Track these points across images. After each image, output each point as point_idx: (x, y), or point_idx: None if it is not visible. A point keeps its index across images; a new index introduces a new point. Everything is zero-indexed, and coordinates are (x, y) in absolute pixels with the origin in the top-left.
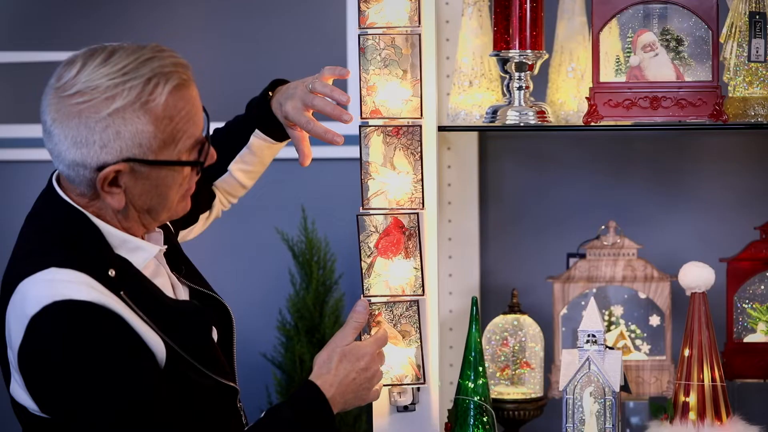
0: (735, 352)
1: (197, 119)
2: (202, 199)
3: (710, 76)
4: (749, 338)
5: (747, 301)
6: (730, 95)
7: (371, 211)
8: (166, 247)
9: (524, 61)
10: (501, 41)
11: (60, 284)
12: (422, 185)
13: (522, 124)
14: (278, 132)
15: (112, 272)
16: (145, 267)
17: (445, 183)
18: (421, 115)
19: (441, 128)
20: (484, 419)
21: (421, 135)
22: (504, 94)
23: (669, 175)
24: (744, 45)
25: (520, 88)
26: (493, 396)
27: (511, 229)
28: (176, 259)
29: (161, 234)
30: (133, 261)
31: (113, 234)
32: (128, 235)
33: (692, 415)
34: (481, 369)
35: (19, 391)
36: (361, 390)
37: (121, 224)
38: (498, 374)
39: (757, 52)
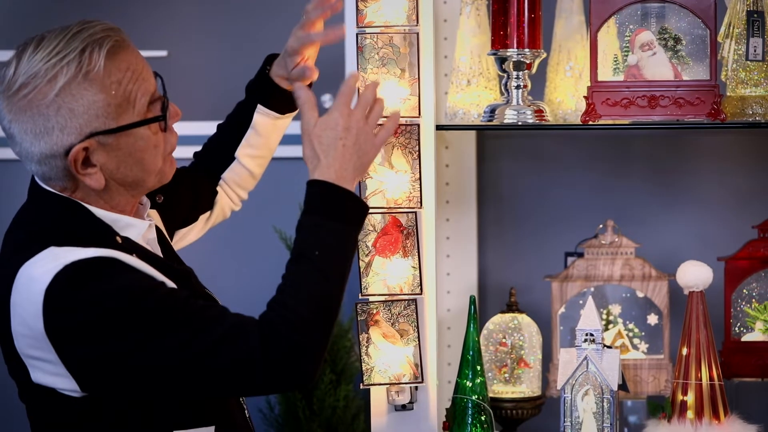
0: (733, 351)
1: (146, 76)
2: (204, 196)
3: (708, 75)
4: (747, 337)
5: (745, 300)
6: (728, 94)
7: (369, 210)
8: (152, 222)
9: (522, 60)
10: (499, 40)
11: (63, 254)
12: (420, 184)
13: (520, 123)
14: (281, 103)
15: (118, 239)
16: (145, 246)
17: (443, 182)
18: (419, 113)
19: (439, 127)
20: (482, 418)
21: (419, 134)
22: (502, 93)
23: (667, 174)
24: (742, 44)
25: (518, 87)
26: (491, 395)
27: (509, 228)
28: (168, 249)
29: (153, 221)
30: (130, 236)
31: (103, 215)
32: (117, 215)
33: (690, 414)
34: (479, 368)
35: (46, 375)
36: (361, 145)
37: (110, 203)
38: (496, 373)
39: (755, 50)
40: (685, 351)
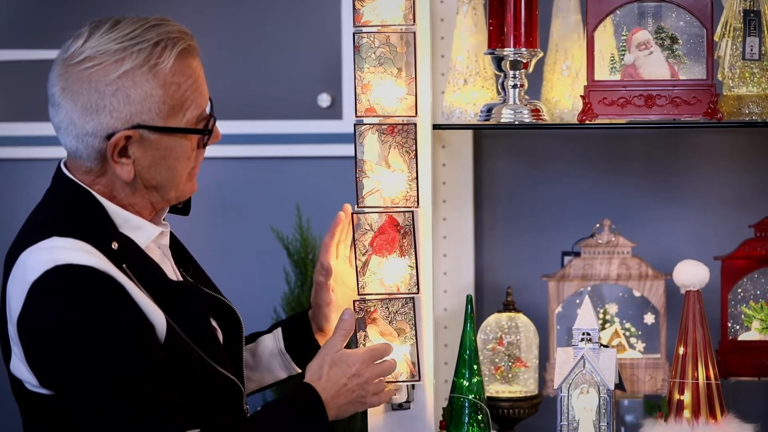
0: (729, 350)
1: (203, 90)
2: None
3: (705, 75)
4: (744, 336)
5: (742, 300)
6: (725, 93)
7: (366, 210)
8: (166, 230)
9: (519, 59)
10: (496, 39)
11: (61, 251)
12: (417, 183)
13: (517, 123)
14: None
15: (115, 245)
16: (149, 251)
17: (439, 181)
18: (416, 113)
19: (436, 126)
20: (479, 417)
21: (415, 133)
22: (499, 93)
23: (664, 174)
24: (738, 43)
25: (514, 87)
26: (487, 394)
27: (506, 227)
28: (183, 259)
29: (168, 227)
30: (136, 240)
31: (116, 212)
32: (131, 214)
33: (687, 413)
34: (475, 367)
35: (18, 364)
36: (355, 395)
37: (129, 200)
38: (493, 372)
39: (751, 50)
40: (681, 350)
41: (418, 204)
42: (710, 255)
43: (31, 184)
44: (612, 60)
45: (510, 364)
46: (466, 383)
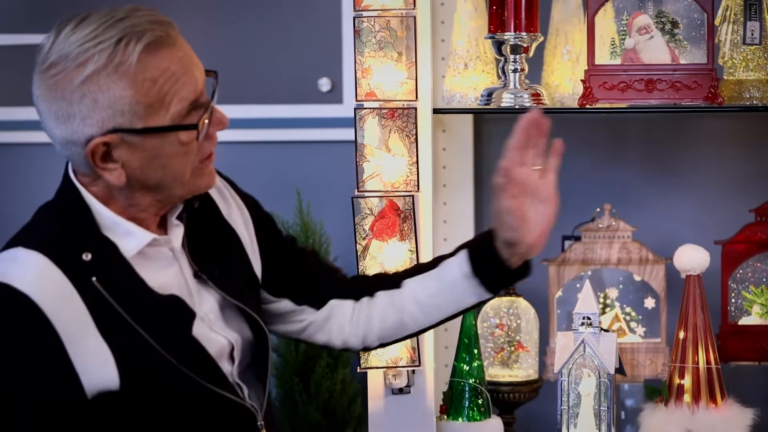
0: (730, 334)
1: (188, 79)
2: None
3: (705, 59)
4: (744, 321)
5: (742, 284)
6: (725, 78)
7: (366, 194)
8: (179, 229)
9: (519, 43)
10: (496, 23)
11: (13, 265)
12: (417, 168)
13: (517, 107)
14: (491, 278)
15: (87, 256)
16: (144, 258)
17: (440, 165)
18: (416, 97)
19: (436, 111)
20: (479, 401)
21: (416, 117)
22: (499, 77)
23: (664, 158)
24: (739, 27)
25: (515, 71)
26: (488, 378)
27: None
28: (209, 261)
29: (181, 228)
30: (122, 246)
31: (105, 215)
32: (122, 219)
33: (687, 397)
34: (476, 351)
35: None
36: None
37: (130, 201)
38: (493, 357)
39: (752, 34)
40: (682, 335)
41: (418, 188)
42: (710, 239)
43: (34, 169)
44: (612, 44)
45: (510, 348)
46: (466, 368)
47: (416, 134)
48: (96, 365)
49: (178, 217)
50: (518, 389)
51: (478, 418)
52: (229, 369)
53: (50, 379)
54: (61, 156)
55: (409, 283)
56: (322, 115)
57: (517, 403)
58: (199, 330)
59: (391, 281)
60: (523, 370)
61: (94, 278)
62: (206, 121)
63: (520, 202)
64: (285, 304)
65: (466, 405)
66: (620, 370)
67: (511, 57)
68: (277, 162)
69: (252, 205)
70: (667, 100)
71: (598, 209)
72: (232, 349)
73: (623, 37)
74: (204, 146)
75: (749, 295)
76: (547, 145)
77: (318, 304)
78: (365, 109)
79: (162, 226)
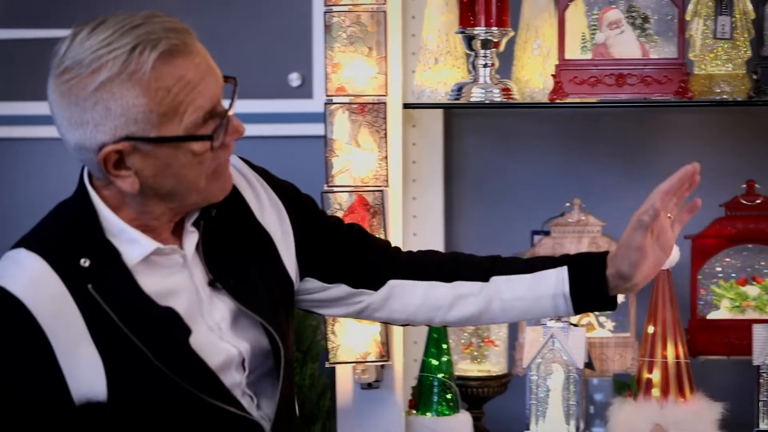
0: (699, 329)
1: (203, 88)
2: (359, 269)
3: (676, 54)
4: (713, 315)
5: (711, 278)
6: (696, 72)
7: (336, 189)
8: (159, 246)
9: (490, 38)
10: (466, 18)
11: (12, 267)
12: (387, 163)
13: (487, 102)
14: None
15: (85, 262)
16: (150, 266)
17: (410, 160)
18: (387, 92)
19: (406, 105)
20: (448, 396)
21: (386, 112)
22: (469, 72)
23: (634, 152)
24: (710, 22)
25: (485, 66)
26: (457, 373)
27: (476, 206)
28: (227, 269)
29: (196, 235)
30: (125, 253)
31: (112, 221)
32: (127, 226)
33: (656, 391)
34: (445, 346)
35: None
36: None
37: (142, 208)
38: (462, 351)
39: (723, 29)
40: (651, 329)
41: (388, 183)
42: (680, 234)
43: (32, 164)
44: (583, 39)
45: (479, 343)
46: (435, 362)
47: (386, 129)
48: (85, 373)
49: (195, 224)
50: (487, 384)
51: (447, 412)
52: (238, 379)
53: (37, 384)
54: (67, 156)
55: (497, 281)
56: (293, 110)
57: (486, 397)
58: (205, 339)
59: (478, 272)
60: (492, 365)
61: (90, 285)
62: (222, 130)
63: (648, 242)
64: (341, 289)
65: (435, 400)
66: (589, 364)
67: (482, 52)
68: (247, 157)
69: (287, 194)
70: (637, 94)
71: (567, 204)
72: (243, 359)
73: (594, 31)
74: (219, 155)
75: (718, 289)
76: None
77: (375, 285)
78: (335, 104)
79: (177, 232)
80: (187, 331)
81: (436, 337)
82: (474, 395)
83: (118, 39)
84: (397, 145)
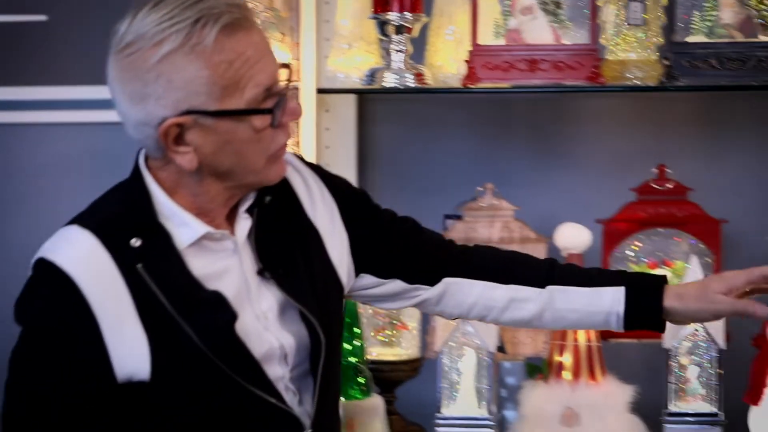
0: None
1: (263, 65)
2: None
3: (588, 39)
4: None
5: (622, 262)
6: (608, 58)
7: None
8: (210, 231)
9: (403, 24)
10: (380, 4)
11: (63, 243)
12: (300, 148)
13: (400, 87)
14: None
15: (136, 242)
16: (201, 249)
17: (323, 145)
18: (300, 77)
19: (320, 91)
20: (360, 380)
21: (299, 98)
22: (383, 57)
23: (547, 138)
24: (622, 8)
25: (399, 51)
26: (369, 357)
27: (389, 191)
28: (277, 259)
29: (249, 222)
30: (176, 236)
31: (164, 203)
32: (180, 209)
33: (567, 374)
34: (357, 331)
35: None
36: None
37: (199, 188)
38: (374, 336)
39: (635, 15)
40: None
41: None
42: (592, 218)
43: (11, 150)
44: (496, 25)
45: (392, 327)
46: (348, 347)
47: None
48: (130, 352)
49: (249, 210)
50: (399, 368)
51: (360, 396)
52: (280, 373)
53: (81, 359)
54: (53, 138)
55: (554, 291)
56: None
57: (398, 381)
58: (251, 327)
59: (535, 278)
60: (404, 349)
61: (139, 265)
62: (280, 109)
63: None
64: (397, 284)
65: (348, 384)
66: (501, 348)
67: (395, 37)
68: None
69: (340, 190)
70: (549, 80)
71: (480, 188)
72: (285, 353)
73: (507, 17)
74: (277, 136)
75: None
76: None
77: (431, 281)
78: None
79: (230, 218)
80: (233, 316)
81: (349, 322)
82: (386, 379)
83: (180, 13)
84: (310, 130)
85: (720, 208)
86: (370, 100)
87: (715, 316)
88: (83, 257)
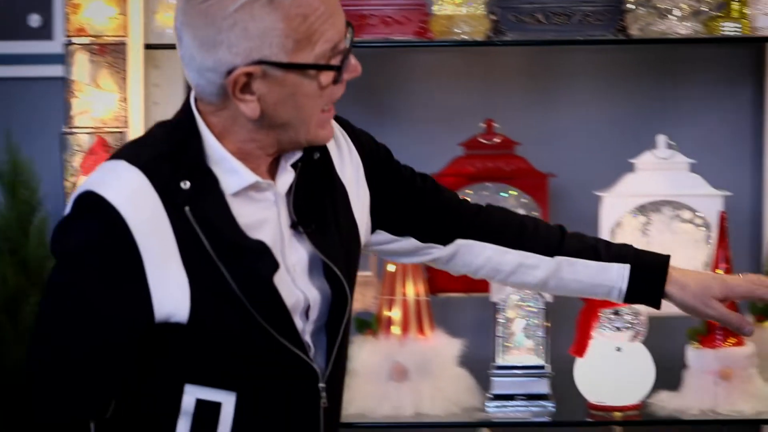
0: None
1: (336, 22)
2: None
3: None
4: None
5: None
6: (436, 13)
7: (75, 130)
8: (259, 180)
9: None
10: None
11: (112, 177)
12: (127, 104)
13: None
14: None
15: (185, 184)
16: (245, 199)
17: (151, 102)
18: (127, 33)
19: (148, 46)
20: None
21: (126, 53)
22: None
23: (376, 93)
24: None
25: None
26: None
27: None
28: (310, 214)
29: (291, 176)
30: (223, 182)
31: (215, 148)
32: (230, 155)
33: (396, 329)
34: None
35: None
36: None
37: (251, 135)
38: None
39: None
40: (391, 268)
41: (128, 125)
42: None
43: None
44: None
45: None
46: None
47: (126, 70)
48: (172, 292)
49: (294, 165)
50: None
51: None
52: (301, 326)
53: (123, 295)
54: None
55: (561, 261)
56: (32, 51)
57: None
58: (281, 280)
59: (545, 246)
60: None
61: (187, 207)
62: (345, 65)
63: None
64: (410, 242)
65: None
66: None
67: None
68: None
69: (365, 147)
70: (378, 35)
71: None
72: (308, 307)
73: None
74: (335, 91)
75: None
76: None
77: (444, 241)
78: (75, 44)
79: (271, 170)
80: (275, 266)
81: None
82: None
83: None
84: (137, 86)
85: (547, 162)
86: None
87: (704, 317)
88: (132, 195)
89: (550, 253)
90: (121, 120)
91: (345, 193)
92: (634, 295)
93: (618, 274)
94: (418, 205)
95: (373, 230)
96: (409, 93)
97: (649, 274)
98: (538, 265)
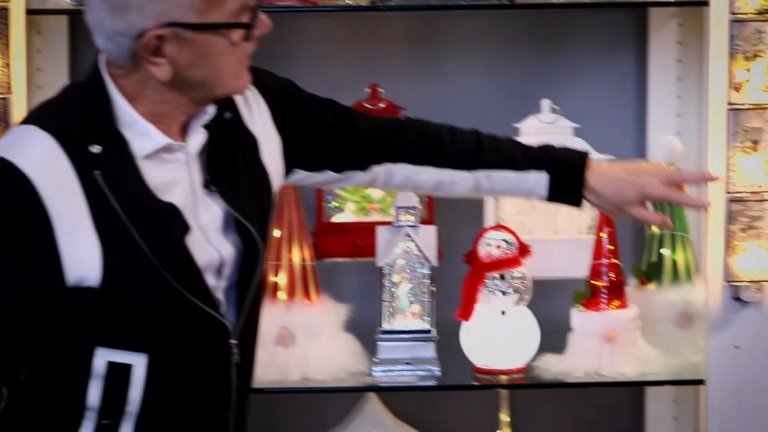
0: (324, 231)
1: None
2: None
3: None
4: (338, 218)
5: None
6: None
7: None
8: (170, 142)
9: None
10: None
11: (23, 143)
12: (10, 70)
13: None
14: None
15: (95, 148)
16: (168, 160)
17: (34, 68)
18: None
19: (29, 12)
20: None
21: (8, 18)
22: None
23: (260, 59)
24: None
25: None
26: None
27: None
28: (222, 172)
29: (203, 135)
30: (134, 145)
31: (125, 111)
32: (141, 118)
33: (282, 294)
34: None
35: None
36: None
37: (163, 96)
38: None
39: None
40: (277, 233)
41: (11, 91)
42: None
43: None
44: None
45: None
46: None
47: (8, 35)
48: (83, 257)
49: (206, 126)
50: None
51: None
52: (213, 283)
53: (33, 260)
54: None
55: (479, 176)
56: None
57: None
58: (194, 240)
59: (462, 161)
60: None
61: (97, 172)
62: (255, 21)
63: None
64: (328, 175)
65: None
66: None
67: None
68: None
69: (270, 91)
70: (262, 0)
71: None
72: (222, 264)
73: None
74: (247, 47)
75: (343, 192)
76: None
77: (361, 167)
78: None
79: (183, 130)
80: (186, 228)
81: None
82: None
83: None
84: (20, 52)
85: None
86: (82, 21)
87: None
88: (42, 160)
89: (468, 167)
90: (4, 86)
91: (255, 144)
92: (554, 199)
93: (536, 183)
94: (330, 139)
95: (289, 170)
96: (294, 58)
97: (566, 181)
98: (456, 181)
